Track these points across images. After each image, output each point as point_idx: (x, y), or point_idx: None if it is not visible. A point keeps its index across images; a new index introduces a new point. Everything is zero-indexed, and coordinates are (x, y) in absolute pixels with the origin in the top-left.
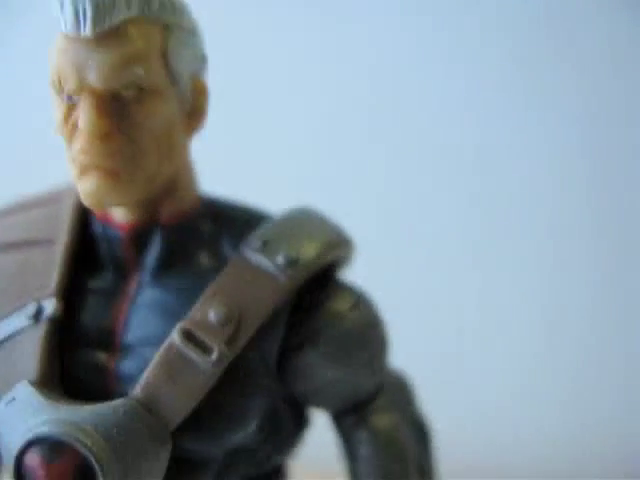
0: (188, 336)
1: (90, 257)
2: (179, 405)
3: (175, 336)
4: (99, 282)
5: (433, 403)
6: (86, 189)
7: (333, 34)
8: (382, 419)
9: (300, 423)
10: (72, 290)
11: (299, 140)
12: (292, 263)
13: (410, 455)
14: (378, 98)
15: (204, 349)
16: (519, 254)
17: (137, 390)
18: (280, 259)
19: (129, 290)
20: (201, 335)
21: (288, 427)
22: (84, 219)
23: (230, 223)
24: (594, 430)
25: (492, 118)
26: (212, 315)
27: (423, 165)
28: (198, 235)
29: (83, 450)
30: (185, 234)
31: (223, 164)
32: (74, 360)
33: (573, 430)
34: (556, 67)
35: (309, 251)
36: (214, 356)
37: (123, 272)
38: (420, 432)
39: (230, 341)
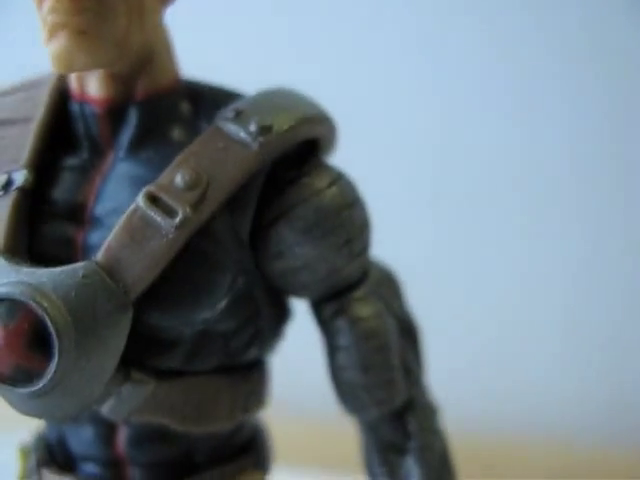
0: (153, 199)
1: (66, 137)
2: (141, 270)
3: (139, 200)
4: (74, 160)
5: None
6: (55, 50)
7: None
8: (364, 308)
9: (280, 314)
10: (46, 166)
11: None
12: (265, 130)
13: (393, 347)
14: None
15: (169, 212)
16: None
17: (99, 255)
18: (252, 127)
19: (103, 166)
20: (166, 198)
21: (266, 316)
22: (62, 100)
23: (207, 102)
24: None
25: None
26: (179, 179)
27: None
28: (174, 113)
29: (39, 311)
30: (161, 111)
31: None
32: (42, 233)
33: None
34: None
35: (283, 120)
36: (178, 219)
37: (98, 150)
38: (406, 329)
39: (196, 205)
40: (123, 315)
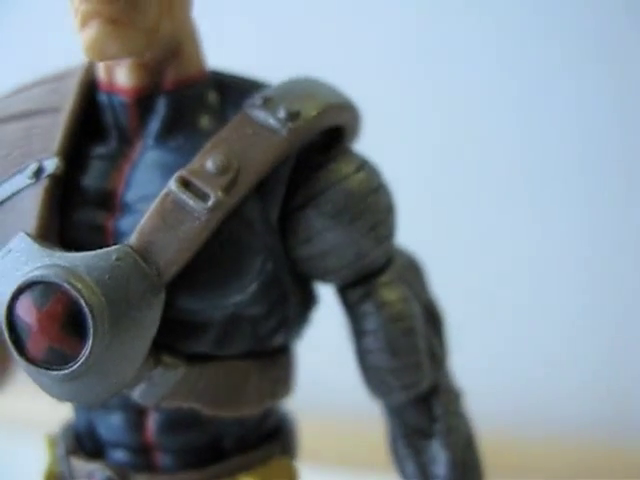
0: (185, 184)
1: (95, 127)
2: (174, 253)
3: (172, 184)
4: (103, 149)
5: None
6: (87, 39)
7: None
8: (390, 293)
9: (306, 300)
10: (76, 155)
11: None
12: (293, 117)
13: (419, 331)
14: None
15: (201, 196)
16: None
17: (132, 238)
18: (281, 113)
19: (132, 155)
20: (198, 182)
21: (293, 302)
22: (90, 91)
23: (234, 91)
24: None
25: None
26: (210, 164)
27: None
28: (202, 102)
29: (74, 293)
30: (189, 101)
31: None
32: (73, 219)
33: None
34: None
35: (311, 107)
36: (210, 202)
37: (127, 139)
38: (431, 314)
39: (227, 189)
40: (156, 297)
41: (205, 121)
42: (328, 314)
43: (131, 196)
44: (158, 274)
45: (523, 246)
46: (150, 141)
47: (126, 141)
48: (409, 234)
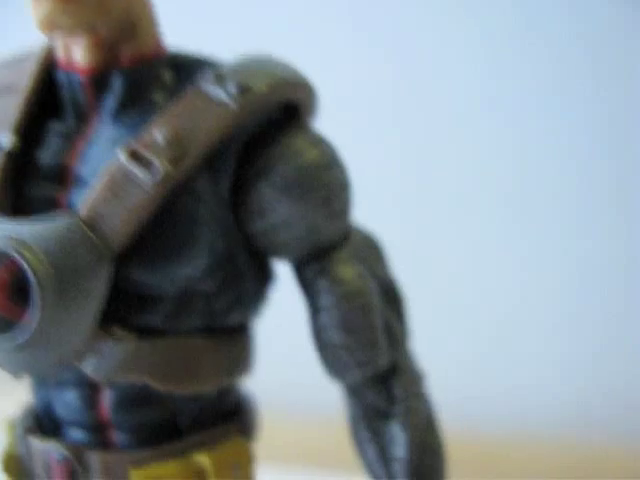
0: (133, 155)
1: (53, 105)
2: (122, 224)
3: (120, 156)
4: (60, 126)
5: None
6: (38, 12)
7: None
8: (345, 269)
9: (263, 277)
10: (32, 132)
11: None
12: (244, 91)
13: (375, 309)
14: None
15: (149, 167)
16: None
17: (81, 209)
18: (232, 87)
19: (88, 131)
20: (146, 154)
21: (248, 278)
22: (49, 70)
23: (189, 69)
24: None
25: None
26: (159, 136)
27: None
28: (157, 79)
29: (21, 262)
30: (144, 78)
31: None
32: (27, 194)
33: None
34: None
35: (263, 82)
36: (158, 173)
37: (83, 116)
38: (389, 294)
39: (176, 161)
40: (104, 268)
41: (159, 97)
42: None
43: (85, 171)
44: (106, 245)
45: (512, 247)
46: (105, 117)
47: (82, 118)
48: (396, 235)
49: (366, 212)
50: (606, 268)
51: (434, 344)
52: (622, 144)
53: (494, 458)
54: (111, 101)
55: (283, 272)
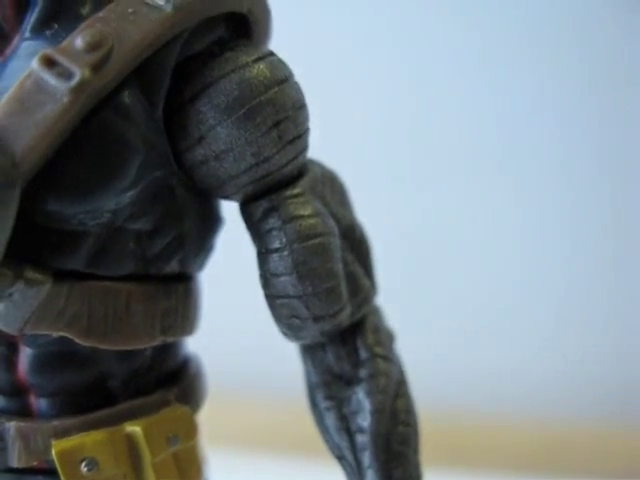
0: (47, 61)
1: None
2: (31, 140)
3: (34, 63)
4: None
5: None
6: None
7: None
8: (300, 206)
9: (207, 220)
10: None
11: None
12: None
13: (334, 252)
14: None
15: (66, 75)
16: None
17: None
18: None
19: (7, 50)
20: (63, 60)
21: (189, 220)
22: None
23: None
24: None
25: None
26: (79, 41)
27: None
28: None
29: None
30: None
31: None
32: None
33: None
34: None
35: None
36: (74, 81)
37: (4, 35)
38: (352, 238)
39: (97, 67)
40: (11, 193)
41: (86, 9)
42: None
43: (0, 88)
44: (13, 164)
45: (503, 231)
46: (26, 34)
47: (4, 37)
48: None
49: (359, 200)
50: (593, 257)
51: (411, 327)
52: (622, 144)
53: (472, 442)
54: (33, 15)
55: None
